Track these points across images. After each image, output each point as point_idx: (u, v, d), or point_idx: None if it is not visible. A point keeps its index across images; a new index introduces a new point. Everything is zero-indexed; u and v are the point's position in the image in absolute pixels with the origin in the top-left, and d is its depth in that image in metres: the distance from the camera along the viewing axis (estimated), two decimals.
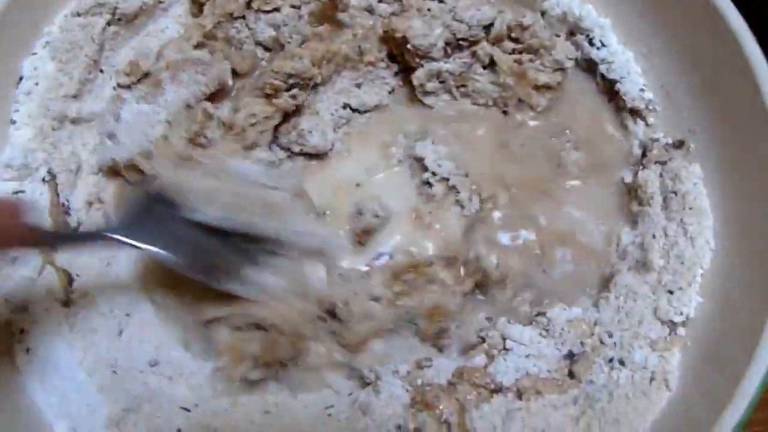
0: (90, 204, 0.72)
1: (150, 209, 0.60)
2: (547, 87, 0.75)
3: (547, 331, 0.66)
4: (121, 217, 0.61)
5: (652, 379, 0.64)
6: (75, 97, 0.72)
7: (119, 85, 0.72)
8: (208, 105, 0.71)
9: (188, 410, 0.64)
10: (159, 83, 0.71)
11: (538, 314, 0.67)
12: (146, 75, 0.72)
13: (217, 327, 0.65)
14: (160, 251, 0.59)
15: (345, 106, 0.76)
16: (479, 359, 0.65)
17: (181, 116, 0.70)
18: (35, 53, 0.72)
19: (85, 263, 0.70)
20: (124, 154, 0.71)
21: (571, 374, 0.65)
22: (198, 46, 0.72)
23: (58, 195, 0.71)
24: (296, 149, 0.74)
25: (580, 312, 0.67)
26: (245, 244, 0.63)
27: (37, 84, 0.71)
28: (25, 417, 0.64)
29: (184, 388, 0.65)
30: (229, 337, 0.64)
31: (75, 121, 0.72)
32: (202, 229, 0.61)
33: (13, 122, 0.71)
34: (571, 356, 0.65)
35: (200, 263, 0.61)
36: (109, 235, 0.59)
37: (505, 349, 0.65)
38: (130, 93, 0.72)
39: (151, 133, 0.70)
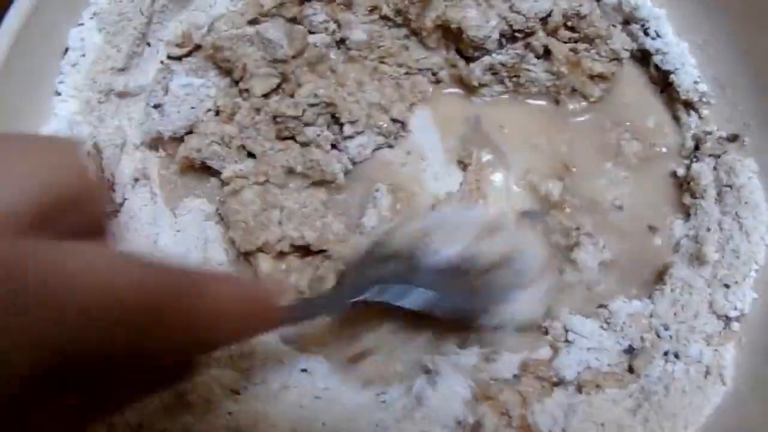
0: (136, 180, 0.70)
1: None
2: (601, 77, 0.74)
3: (608, 324, 0.65)
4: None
5: (707, 374, 0.64)
6: (122, 70, 0.70)
7: (169, 57, 0.70)
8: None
9: (238, 393, 0.62)
10: (210, 57, 0.69)
11: (600, 306, 0.66)
12: (197, 48, 0.70)
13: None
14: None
15: None
16: (544, 351, 0.63)
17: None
18: (82, 23, 0.70)
19: None
20: (170, 127, 0.70)
21: (630, 369, 0.64)
22: (252, 22, 0.70)
23: (103, 170, 0.69)
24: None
25: (640, 305, 0.66)
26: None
27: (83, 56, 0.69)
28: None
29: (233, 371, 0.64)
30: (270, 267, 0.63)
31: (121, 95, 0.70)
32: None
33: (58, 94, 0.69)
34: (630, 350, 0.64)
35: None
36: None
37: (567, 341, 0.64)
38: (179, 65, 0.70)
39: (199, 107, 0.69)
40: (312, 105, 0.68)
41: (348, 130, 0.70)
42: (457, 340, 0.62)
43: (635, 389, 0.64)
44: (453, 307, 0.58)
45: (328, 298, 0.61)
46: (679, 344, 0.65)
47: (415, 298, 0.57)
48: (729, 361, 0.64)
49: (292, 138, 0.70)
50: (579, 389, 0.62)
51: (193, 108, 0.69)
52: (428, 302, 0.57)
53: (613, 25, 0.75)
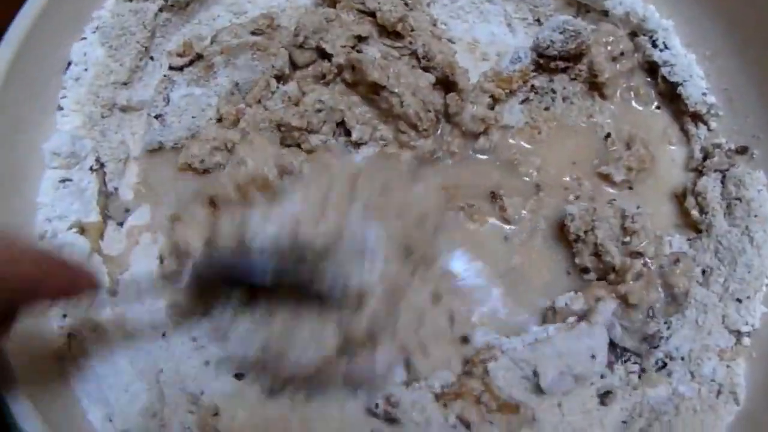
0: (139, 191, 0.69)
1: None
2: None
3: None
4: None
5: (719, 393, 0.63)
6: (125, 84, 0.70)
7: (171, 67, 0.70)
8: (272, 80, 0.69)
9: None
10: (212, 67, 0.69)
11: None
12: (199, 58, 0.70)
13: None
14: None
15: None
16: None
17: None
18: (84, 38, 0.70)
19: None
20: (170, 137, 0.69)
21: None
22: (254, 33, 0.69)
23: (106, 185, 0.69)
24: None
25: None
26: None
27: (86, 70, 0.69)
28: (59, 403, 0.61)
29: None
30: None
31: (124, 109, 0.70)
32: None
33: (61, 108, 0.68)
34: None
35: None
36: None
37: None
38: (181, 75, 0.70)
39: (200, 117, 0.68)
40: (318, 111, 0.68)
41: (356, 135, 0.70)
42: None
43: (643, 408, 0.63)
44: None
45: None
46: (693, 364, 0.64)
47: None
48: (742, 379, 0.63)
49: (298, 146, 0.70)
50: None
51: (194, 117, 0.69)
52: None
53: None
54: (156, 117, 0.70)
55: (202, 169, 0.68)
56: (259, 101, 0.69)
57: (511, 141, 0.74)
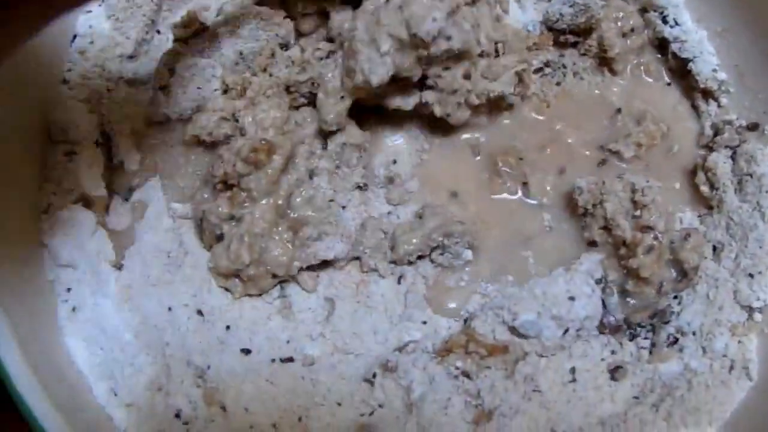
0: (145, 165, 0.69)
1: None
2: None
3: None
4: None
5: (731, 368, 0.62)
6: (131, 57, 0.69)
7: (175, 38, 0.69)
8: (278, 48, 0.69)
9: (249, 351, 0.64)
10: (216, 37, 0.68)
11: None
12: (204, 29, 0.69)
13: None
14: None
15: None
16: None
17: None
18: (90, 11, 0.69)
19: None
20: (176, 109, 0.68)
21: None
22: (259, 3, 0.69)
23: (111, 159, 0.68)
24: None
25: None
26: None
27: (91, 43, 0.68)
28: (64, 379, 0.61)
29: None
30: None
31: (130, 82, 0.69)
32: None
33: (66, 81, 0.68)
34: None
35: None
36: None
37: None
38: (186, 47, 0.69)
39: (206, 87, 0.67)
40: (320, 59, 0.67)
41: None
42: None
43: (655, 383, 0.62)
44: None
45: None
46: (705, 340, 0.63)
47: None
48: (753, 354, 0.63)
49: (310, 104, 0.69)
50: None
51: (199, 88, 0.68)
52: None
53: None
54: (160, 88, 0.69)
55: (210, 141, 0.67)
56: (265, 69, 0.68)
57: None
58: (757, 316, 0.64)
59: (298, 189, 0.66)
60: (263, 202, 0.65)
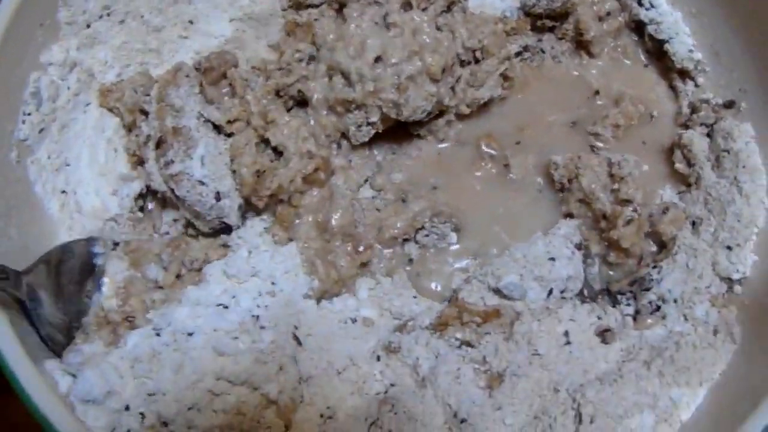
0: None
1: None
2: None
3: None
4: None
5: (716, 332, 0.63)
6: None
7: None
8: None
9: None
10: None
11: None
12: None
13: None
14: None
15: None
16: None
17: None
18: None
19: None
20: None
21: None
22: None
23: None
24: None
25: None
26: None
27: None
28: None
29: None
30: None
31: None
32: None
33: None
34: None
35: None
36: None
37: None
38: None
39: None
40: (299, 61, 0.69)
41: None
42: None
43: (643, 346, 0.64)
44: None
45: None
46: (685, 307, 0.65)
47: None
48: (734, 321, 0.64)
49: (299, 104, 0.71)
50: None
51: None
52: None
53: None
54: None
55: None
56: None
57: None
58: (738, 288, 0.65)
59: None
60: None
